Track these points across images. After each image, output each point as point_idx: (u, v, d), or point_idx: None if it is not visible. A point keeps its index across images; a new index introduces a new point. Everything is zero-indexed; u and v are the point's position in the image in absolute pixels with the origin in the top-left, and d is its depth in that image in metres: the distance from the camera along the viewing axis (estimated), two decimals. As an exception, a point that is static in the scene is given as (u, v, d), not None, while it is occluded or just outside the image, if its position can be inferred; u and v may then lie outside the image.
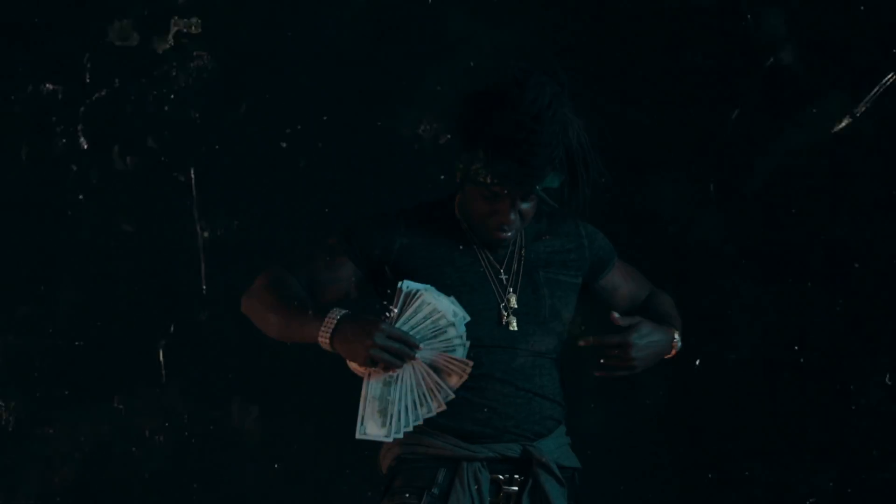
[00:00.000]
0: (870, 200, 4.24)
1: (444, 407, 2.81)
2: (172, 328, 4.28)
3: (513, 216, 2.91)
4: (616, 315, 2.91)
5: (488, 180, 2.86)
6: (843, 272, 4.26)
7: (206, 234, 4.28)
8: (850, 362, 4.27)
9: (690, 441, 4.37)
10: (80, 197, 4.27)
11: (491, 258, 3.01)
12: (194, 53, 4.28)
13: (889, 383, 4.22)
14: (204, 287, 4.27)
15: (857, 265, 4.24)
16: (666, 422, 4.38)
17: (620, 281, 3.18)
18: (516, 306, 2.97)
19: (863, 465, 4.27)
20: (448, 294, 2.89)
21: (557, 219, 3.12)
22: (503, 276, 3.00)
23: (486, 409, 2.90)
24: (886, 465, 4.26)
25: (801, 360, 4.26)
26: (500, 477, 2.90)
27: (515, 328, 2.95)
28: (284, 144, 4.30)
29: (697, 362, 3.93)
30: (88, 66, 4.26)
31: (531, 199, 2.93)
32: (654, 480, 4.39)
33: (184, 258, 4.28)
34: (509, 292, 2.99)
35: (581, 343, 2.91)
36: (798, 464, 4.30)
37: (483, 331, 2.93)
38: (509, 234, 2.94)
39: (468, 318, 2.86)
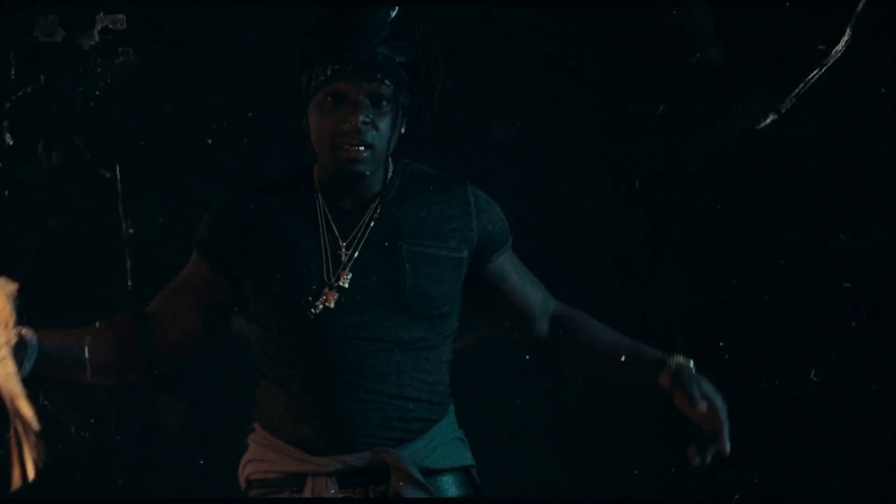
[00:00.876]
0: (795, 198, 4.23)
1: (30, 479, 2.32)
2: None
3: (362, 117, 2.53)
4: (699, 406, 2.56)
5: (324, 74, 2.56)
6: (768, 268, 4.25)
7: (131, 231, 4.24)
8: (774, 360, 4.26)
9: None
10: (6, 193, 4.23)
11: (335, 229, 2.62)
12: (119, 49, 4.25)
13: (815, 379, 4.23)
14: (129, 283, 4.23)
15: (781, 261, 4.26)
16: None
17: (511, 270, 2.74)
18: (346, 286, 2.58)
19: (787, 462, 4.25)
20: (278, 275, 2.59)
21: (440, 180, 2.72)
22: (343, 252, 2.61)
23: (330, 418, 2.57)
24: (812, 463, 4.25)
25: (725, 356, 4.26)
26: (356, 490, 2.59)
27: (332, 306, 2.56)
28: (210, 141, 4.28)
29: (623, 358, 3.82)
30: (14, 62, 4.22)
31: (385, 108, 2.56)
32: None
33: (109, 255, 4.23)
34: (342, 269, 2.59)
35: (697, 461, 2.58)
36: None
37: (301, 315, 2.58)
38: (362, 149, 2.54)
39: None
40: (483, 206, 2.70)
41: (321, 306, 2.57)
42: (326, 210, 2.65)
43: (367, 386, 2.58)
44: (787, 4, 4.18)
